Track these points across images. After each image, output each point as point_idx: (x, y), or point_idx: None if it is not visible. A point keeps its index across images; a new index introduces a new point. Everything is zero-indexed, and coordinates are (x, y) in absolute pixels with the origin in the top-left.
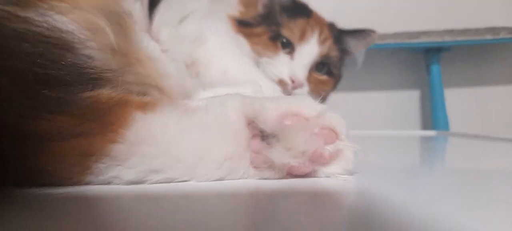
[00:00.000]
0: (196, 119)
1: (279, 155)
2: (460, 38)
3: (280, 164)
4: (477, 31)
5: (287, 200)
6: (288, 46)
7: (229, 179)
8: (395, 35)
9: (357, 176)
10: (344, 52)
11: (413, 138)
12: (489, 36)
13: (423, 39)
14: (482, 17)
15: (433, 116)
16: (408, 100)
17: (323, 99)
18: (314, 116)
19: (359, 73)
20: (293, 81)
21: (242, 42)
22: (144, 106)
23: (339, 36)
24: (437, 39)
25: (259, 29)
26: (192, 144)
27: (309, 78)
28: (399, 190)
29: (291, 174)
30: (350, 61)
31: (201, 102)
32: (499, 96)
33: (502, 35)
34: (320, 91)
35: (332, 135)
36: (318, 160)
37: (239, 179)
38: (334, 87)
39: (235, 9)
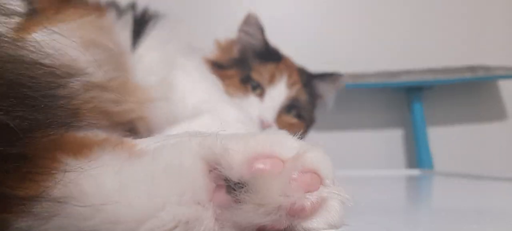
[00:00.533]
0: (141, 168)
1: (248, 214)
2: (440, 76)
3: (249, 221)
4: (456, 70)
5: None
6: (258, 89)
7: None
8: (376, 74)
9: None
10: (314, 95)
11: (398, 177)
12: (468, 75)
13: (404, 78)
14: (461, 56)
15: (417, 154)
16: (391, 139)
17: None
18: (292, 156)
19: (342, 112)
20: (262, 122)
21: (215, 81)
22: (78, 152)
23: (308, 80)
24: (418, 78)
25: (231, 72)
26: (134, 203)
27: (278, 120)
28: None
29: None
30: (321, 103)
31: (152, 144)
32: (481, 133)
33: (480, 74)
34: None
35: (315, 179)
36: (297, 214)
37: None
38: (306, 129)
39: (212, 53)
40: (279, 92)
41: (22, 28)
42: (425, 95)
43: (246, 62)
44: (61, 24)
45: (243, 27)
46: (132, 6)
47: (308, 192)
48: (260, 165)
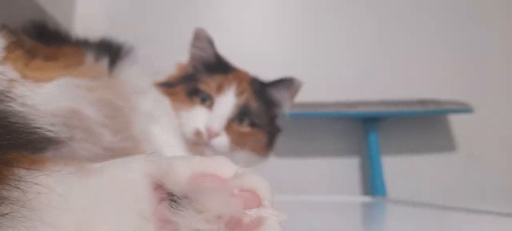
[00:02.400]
0: (86, 181)
1: (189, 219)
2: (393, 108)
3: (190, 230)
4: (408, 103)
5: None
6: (208, 100)
7: None
8: (334, 104)
9: None
10: (271, 103)
11: (353, 203)
12: (419, 108)
13: (361, 109)
14: (413, 89)
15: (371, 182)
16: (348, 166)
17: (262, 152)
18: (232, 176)
19: (301, 139)
20: (208, 130)
21: (164, 102)
22: (31, 165)
23: (261, 88)
24: (373, 109)
25: (178, 88)
26: (75, 211)
27: (229, 129)
28: None
29: None
30: (280, 111)
31: (103, 164)
32: (432, 164)
33: (431, 108)
34: (245, 143)
35: (254, 199)
36: (237, 227)
37: None
38: (270, 138)
39: (165, 74)
40: (226, 101)
41: (40, 68)
42: (381, 125)
43: (194, 76)
44: (83, 79)
45: (194, 43)
46: (107, 45)
47: (247, 208)
48: (203, 181)
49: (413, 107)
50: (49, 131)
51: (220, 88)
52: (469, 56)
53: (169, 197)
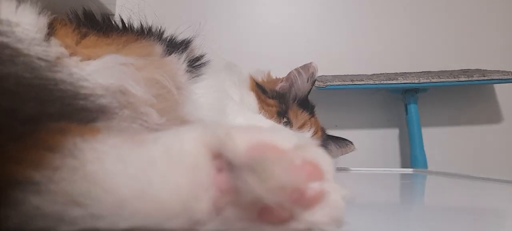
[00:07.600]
0: (139, 149)
1: (251, 185)
2: (435, 79)
3: (251, 199)
4: (451, 73)
5: None
6: (289, 127)
7: (176, 226)
8: (374, 76)
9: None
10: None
11: (392, 175)
12: (463, 78)
13: (401, 81)
14: (457, 59)
15: (411, 154)
16: (387, 138)
17: None
18: (293, 147)
19: (341, 111)
20: None
21: (250, 98)
22: (84, 133)
23: (325, 139)
24: (414, 80)
25: (271, 101)
26: (127, 176)
27: None
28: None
29: (263, 221)
30: None
31: (157, 134)
32: (474, 136)
33: (475, 77)
34: None
35: (316, 172)
36: (300, 199)
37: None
38: None
39: (261, 76)
40: None
41: (92, 45)
42: (421, 96)
43: (286, 101)
44: (132, 57)
45: (300, 70)
46: (187, 44)
47: (310, 181)
48: (263, 151)
49: (457, 77)
50: (99, 101)
51: (302, 126)
52: None
53: (228, 167)
